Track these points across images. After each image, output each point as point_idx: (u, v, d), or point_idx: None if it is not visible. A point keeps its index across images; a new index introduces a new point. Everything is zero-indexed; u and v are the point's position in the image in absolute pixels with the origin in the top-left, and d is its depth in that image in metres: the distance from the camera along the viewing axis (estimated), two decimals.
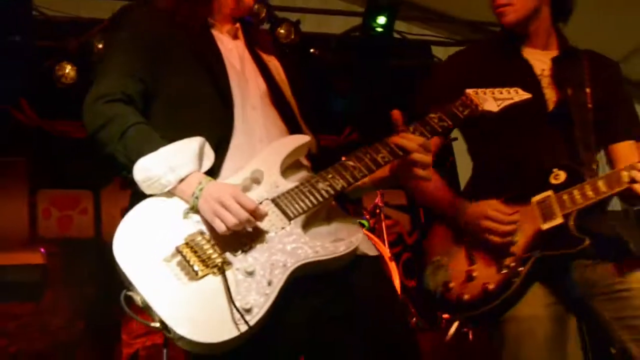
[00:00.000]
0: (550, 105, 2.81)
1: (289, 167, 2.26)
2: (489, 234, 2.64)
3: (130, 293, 1.99)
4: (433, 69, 3.13)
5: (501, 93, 2.55)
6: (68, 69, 5.72)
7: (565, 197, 2.63)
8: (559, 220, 2.62)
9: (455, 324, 2.64)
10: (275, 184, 2.18)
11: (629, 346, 2.63)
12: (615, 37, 5.84)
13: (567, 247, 2.60)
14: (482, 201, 2.71)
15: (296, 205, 2.15)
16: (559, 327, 2.68)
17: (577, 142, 2.76)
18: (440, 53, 6.45)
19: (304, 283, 2.09)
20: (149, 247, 2.03)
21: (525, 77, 2.81)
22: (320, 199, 2.17)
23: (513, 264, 2.62)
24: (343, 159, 2.25)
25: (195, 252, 2.02)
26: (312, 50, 6.05)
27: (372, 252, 2.32)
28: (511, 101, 2.55)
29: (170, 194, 2.12)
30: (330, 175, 2.20)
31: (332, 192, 2.18)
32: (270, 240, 2.09)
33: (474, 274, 2.65)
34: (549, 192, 2.66)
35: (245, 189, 2.15)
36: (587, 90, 2.78)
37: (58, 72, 5.78)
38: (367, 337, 2.16)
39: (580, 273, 2.71)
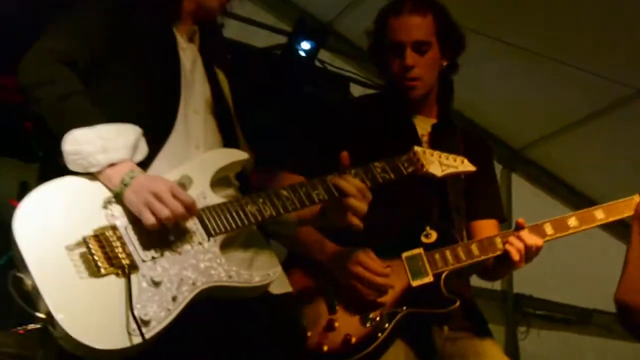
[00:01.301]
0: None
1: (218, 182, 2.26)
2: (358, 282, 2.68)
3: (20, 274, 1.92)
4: (323, 111, 3.25)
5: (447, 159, 2.65)
6: None
7: (437, 256, 2.74)
8: (429, 279, 2.71)
9: None
10: (203, 194, 2.17)
11: None
12: (525, 124, 6.14)
13: (437, 306, 2.70)
14: (353, 248, 2.74)
15: (219, 223, 2.14)
16: None
17: (451, 207, 2.91)
18: (358, 92, 6.55)
19: (207, 307, 2.08)
20: (54, 229, 1.97)
21: (408, 138, 2.94)
22: (246, 222, 2.17)
23: (378, 319, 2.67)
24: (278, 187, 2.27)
25: (102, 247, 1.97)
26: (228, 56, 6.01)
27: (279, 290, 2.32)
28: (455, 170, 2.65)
29: (92, 177, 2.06)
30: (261, 200, 2.21)
31: (259, 217, 2.19)
32: (184, 253, 2.07)
33: (336, 324, 2.68)
34: (420, 250, 2.75)
35: None
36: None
37: None
38: None
39: (441, 344, 2.81)
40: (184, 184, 2.15)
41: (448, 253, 2.74)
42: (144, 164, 2.14)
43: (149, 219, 1.99)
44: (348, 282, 2.69)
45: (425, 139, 2.99)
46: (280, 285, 2.33)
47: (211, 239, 2.12)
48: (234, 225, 2.15)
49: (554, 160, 6.44)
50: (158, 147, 2.18)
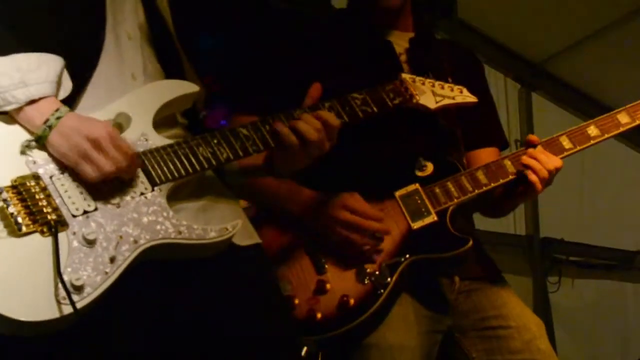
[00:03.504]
0: None
1: (162, 121, 2.22)
2: (347, 230, 2.65)
3: None
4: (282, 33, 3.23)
5: (442, 88, 2.65)
6: None
7: (437, 190, 2.73)
8: (432, 218, 2.70)
9: (304, 349, 2.67)
10: (145, 136, 2.14)
11: None
12: (546, 34, 6.14)
13: (446, 249, 2.68)
14: (334, 193, 2.72)
15: (165, 170, 2.11)
16: None
17: (445, 134, 2.90)
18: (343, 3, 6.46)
19: (153, 271, 2.06)
20: None
21: (387, 60, 2.93)
22: (198, 167, 2.15)
23: (378, 272, 2.64)
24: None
25: (22, 199, 1.94)
26: None
27: (245, 242, 2.29)
28: (452, 101, 2.66)
29: (7, 117, 2.03)
30: (215, 141, 2.19)
31: (213, 162, 2.17)
32: (124, 206, 2.04)
33: (327, 286, 2.65)
34: (415, 185, 2.74)
35: None
36: (449, 79, 2.90)
37: None
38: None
39: (453, 299, 2.81)
40: (120, 124, 2.11)
41: (450, 185, 2.73)
42: (69, 101, 2.09)
43: (90, 173, 1.97)
44: (334, 233, 2.67)
45: (403, 57, 2.96)
46: (246, 235, 2.31)
47: (156, 188, 2.10)
48: (182, 172, 2.13)
49: (580, 74, 6.49)
50: (84, 81, 2.15)
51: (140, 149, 2.11)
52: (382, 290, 2.61)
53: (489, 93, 3.21)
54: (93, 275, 1.94)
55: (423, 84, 2.61)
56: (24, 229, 1.92)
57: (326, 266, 2.68)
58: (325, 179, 2.73)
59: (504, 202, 2.93)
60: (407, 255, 2.66)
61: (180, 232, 2.07)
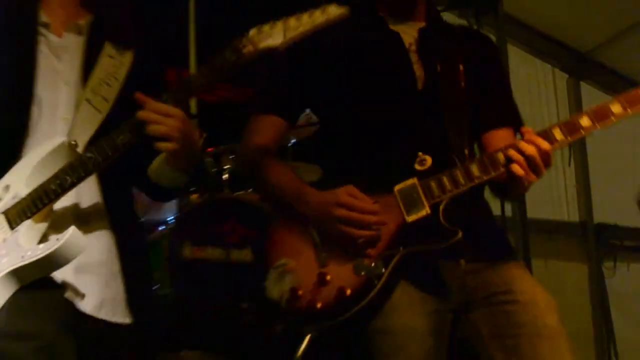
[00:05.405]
0: (420, 84, 2.96)
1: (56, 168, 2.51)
2: (344, 225, 2.75)
3: None
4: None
5: (298, 20, 2.50)
6: None
7: (432, 184, 2.75)
8: (425, 211, 2.74)
9: (307, 338, 2.76)
10: (15, 195, 2.48)
11: None
12: (593, 23, 6.15)
13: (436, 241, 2.72)
14: (332, 190, 2.81)
15: (21, 212, 2.45)
16: (439, 341, 2.78)
17: (447, 125, 2.93)
18: None
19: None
20: None
21: (395, 51, 2.99)
22: (46, 201, 2.45)
23: (373, 264, 2.72)
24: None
25: None
26: None
27: (113, 318, 2.59)
28: (308, 27, 2.50)
29: None
30: (62, 172, 2.46)
31: (59, 190, 2.45)
32: None
33: (327, 277, 2.75)
34: (413, 180, 2.78)
35: None
36: (460, 67, 2.96)
37: None
38: None
39: (461, 278, 2.84)
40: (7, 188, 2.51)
41: (445, 179, 2.75)
42: (15, 152, 2.55)
43: None
44: (333, 229, 2.78)
45: (413, 48, 3.00)
46: (118, 313, 2.61)
47: (14, 230, 2.45)
48: (34, 209, 2.45)
49: (628, 62, 6.40)
50: (23, 133, 2.56)
51: (8, 207, 2.47)
52: (376, 281, 2.70)
53: (504, 76, 3.23)
54: None
55: (274, 27, 2.47)
56: None
57: (328, 260, 2.79)
58: (335, 173, 2.92)
59: (509, 188, 2.91)
60: (401, 248, 2.73)
61: (22, 257, 2.37)
